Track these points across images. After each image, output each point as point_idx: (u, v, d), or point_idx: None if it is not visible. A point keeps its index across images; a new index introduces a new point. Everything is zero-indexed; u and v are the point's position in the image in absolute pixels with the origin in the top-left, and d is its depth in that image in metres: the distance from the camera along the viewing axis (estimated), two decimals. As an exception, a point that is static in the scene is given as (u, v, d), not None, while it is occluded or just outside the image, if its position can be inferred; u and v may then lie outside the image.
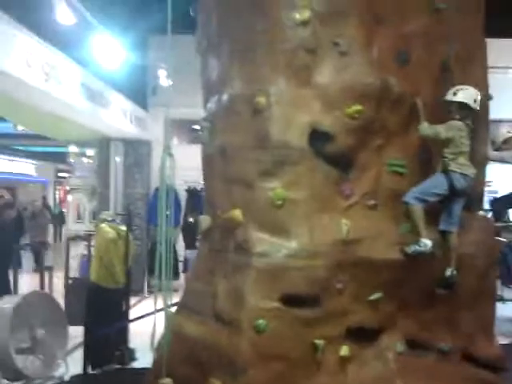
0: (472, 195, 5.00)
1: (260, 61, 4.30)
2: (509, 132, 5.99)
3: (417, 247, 4.42)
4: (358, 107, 4.24)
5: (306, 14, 4.17)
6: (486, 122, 5.18)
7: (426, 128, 4.52)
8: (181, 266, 12.05)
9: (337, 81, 4.27)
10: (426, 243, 4.43)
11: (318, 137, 4.26)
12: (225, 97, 4.46)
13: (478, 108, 4.65)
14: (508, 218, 5.90)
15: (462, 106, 4.59)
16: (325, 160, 4.31)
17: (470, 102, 4.59)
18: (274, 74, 4.26)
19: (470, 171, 4.61)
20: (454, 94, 4.60)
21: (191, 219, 12.08)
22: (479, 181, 5.09)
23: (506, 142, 5.82)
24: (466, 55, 4.95)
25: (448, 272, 4.60)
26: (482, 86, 5.05)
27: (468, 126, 4.62)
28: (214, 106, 4.61)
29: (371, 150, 4.48)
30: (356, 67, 4.30)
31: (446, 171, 4.56)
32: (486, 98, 5.10)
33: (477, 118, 4.79)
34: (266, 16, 4.26)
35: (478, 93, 4.66)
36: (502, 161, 5.69)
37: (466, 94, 4.60)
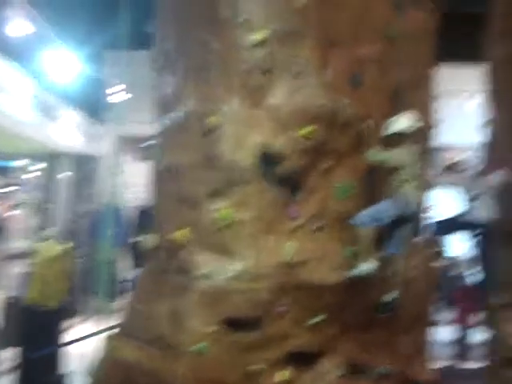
0: (415, 220, 5.09)
1: (215, 80, 4.29)
2: (453, 158, 6.15)
3: (363, 268, 4.46)
4: (310, 129, 4.26)
5: (262, 35, 4.19)
6: (430, 147, 5.30)
7: (374, 154, 4.58)
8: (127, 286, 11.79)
9: (290, 102, 4.28)
10: (371, 266, 4.47)
11: (268, 158, 4.25)
12: (177, 114, 4.42)
13: (416, 130, 4.69)
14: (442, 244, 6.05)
15: (400, 134, 4.68)
16: (273, 181, 4.30)
17: (404, 129, 4.67)
18: (227, 94, 4.24)
19: (417, 196, 4.68)
20: (387, 128, 4.70)
21: (140, 238, 11.86)
22: (423, 206, 5.20)
23: (449, 167, 5.97)
24: (416, 81, 5.08)
25: (390, 295, 4.62)
26: (429, 111, 5.19)
27: (413, 152, 4.70)
28: (167, 123, 4.56)
29: (320, 172, 4.49)
30: (309, 89, 4.32)
31: (394, 196, 4.62)
32: (432, 123, 5.24)
33: (422, 144, 4.90)
34: (222, 36, 4.26)
35: (412, 117, 4.73)
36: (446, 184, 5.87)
37: (397, 124, 4.68)
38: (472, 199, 5.87)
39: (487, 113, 6.73)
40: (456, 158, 5.96)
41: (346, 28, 4.64)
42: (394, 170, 4.65)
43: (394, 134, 4.67)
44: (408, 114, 4.72)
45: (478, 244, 6.29)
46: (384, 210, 4.59)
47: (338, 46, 4.57)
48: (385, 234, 4.73)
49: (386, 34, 4.85)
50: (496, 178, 6.06)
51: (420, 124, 4.74)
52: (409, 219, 4.69)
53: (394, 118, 4.70)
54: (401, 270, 4.69)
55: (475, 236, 6.17)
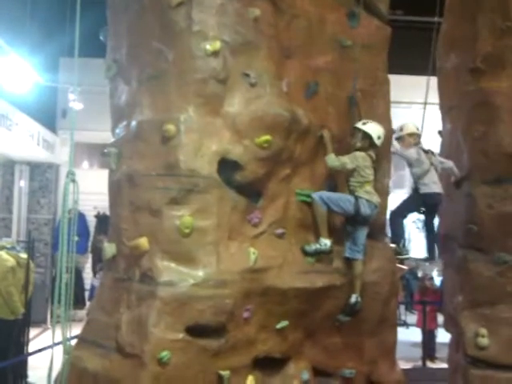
0: (375, 224, 5.19)
1: (170, 89, 4.28)
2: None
3: (317, 246, 4.60)
4: (267, 137, 4.31)
5: (216, 45, 4.20)
6: (388, 154, 5.43)
7: (332, 159, 4.67)
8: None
9: (246, 111, 4.32)
10: (326, 243, 4.61)
11: (226, 165, 4.27)
12: (133, 123, 4.39)
13: (379, 145, 4.86)
14: (405, 239, 6.10)
15: (366, 136, 4.81)
16: (233, 189, 4.33)
17: (374, 136, 4.82)
18: (183, 103, 4.24)
19: (375, 199, 4.82)
20: (364, 123, 4.85)
21: (99, 245, 11.72)
22: (381, 210, 5.30)
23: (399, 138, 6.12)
24: (371, 91, 5.20)
25: (353, 299, 4.73)
26: (386, 120, 5.31)
27: (370, 156, 4.82)
28: (123, 131, 4.53)
29: (279, 179, 4.56)
30: (265, 98, 4.37)
31: (354, 196, 4.73)
32: (389, 132, 5.36)
33: (379, 151, 5.01)
34: (176, 45, 4.25)
35: (383, 132, 4.88)
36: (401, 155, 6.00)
37: (372, 128, 4.83)
38: (420, 175, 6.01)
39: (440, 123, 6.93)
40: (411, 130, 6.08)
41: (301, 38, 4.73)
42: (351, 173, 4.76)
43: (363, 132, 4.78)
44: (380, 125, 4.85)
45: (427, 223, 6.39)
46: (342, 199, 4.74)
47: (292, 56, 4.66)
48: (342, 233, 4.84)
49: (341, 44, 4.95)
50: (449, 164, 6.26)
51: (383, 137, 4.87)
52: (365, 221, 4.80)
53: (373, 121, 4.87)
54: (361, 273, 4.79)
55: (423, 212, 6.28)
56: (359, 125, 4.86)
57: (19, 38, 9.67)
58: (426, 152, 6.07)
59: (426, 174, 5.98)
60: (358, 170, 4.76)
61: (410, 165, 6.07)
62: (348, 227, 4.86)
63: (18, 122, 9.94)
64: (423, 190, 6.00)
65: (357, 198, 4.74)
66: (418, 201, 6.10)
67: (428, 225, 6.39)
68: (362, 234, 4.84)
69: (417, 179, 6.04)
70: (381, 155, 5.13)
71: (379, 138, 4.87)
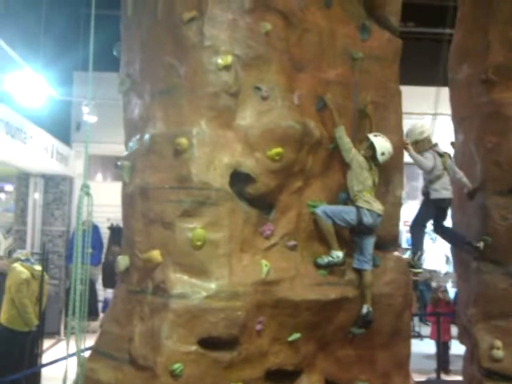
0: (387, 236, 5.18)
1: (182, 102, 4.32)
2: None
3: (330, 258, 4.59)
4: (279, 150, 4.34)
5: (228, 59, 4.25)
6: (401, 166, 5.41)
7: (343, 131, 4.69)
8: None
9: (258, 124, 4.36)
10: (338, 255, 4.61)
11: (239, 178, 4.30)
12: (146, 136, 4.44)
13: (381, 161, 4.87)
14: (422, 251, 6.05)
15: (371, 148, 4.82)
16: (245, 201, 4.36)
17: (378, 151, 4.83)
18: (196, 116, 4.28)
19: (376, 207, 4.77)
20: (375, 135, 4.88)
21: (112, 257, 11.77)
22: (394, 222, 5.29)
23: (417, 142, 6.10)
24: (383, 102, 5.21)
25: (364, 309, 4.71)
26: (397, 131, 5.31)
27: (371, 167, 4.83)
28: (136, 144, 4.58)
29: (291, 191, 4.57)
30: (277, 111, 4.41)
31: (355, 206, 4.72)
32: (401, 142, 5.36)
33: (392, 163, 5.01)
34: (188, 60, 4.31)
35: (390, 151, 4.88)
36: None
37: (380, 143, 4.84)
38: (432, 180, 5.99)
39: (452, 134, 6.90)
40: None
41: (312, 52, 4.76)
42: (349, 173, 4.77)
43: (370, 143, 4.80)
44: (386, 140, 4.87)
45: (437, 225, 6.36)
46: (345, 211, 4.72)
47: (304, 69, 4.69)
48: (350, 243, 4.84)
49: (352, 57, 4.97)
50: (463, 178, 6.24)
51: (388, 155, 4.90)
52: (370, 230, 4.77)
53: (384, 136, 4.89)
54: (371, 283, 4.77)
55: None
56: (371, 135, 4.88)
57: (34, 53, 9.80)
58: (442, 156, 6.04)
59: (437, 180, 5.96)
60: (354, 170, 4.75)
61: (424, 171, 6.07)
62: (355, 238, 4.86)
63: (33, 136, 10.06)
64: (433, 195, 5.98)
65: (358, 208, 4.73)
66: (431, 206, 6.08)
67: (440, 227, 6.34)
68: (369, 243, 4.81)
69: (428, 184, 6.03)
70: (393, 167, 5.13)
71: (383, 154, 4.86)
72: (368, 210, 4.72)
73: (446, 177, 6.02)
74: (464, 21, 6.77)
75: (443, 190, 5.97)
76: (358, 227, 4.74)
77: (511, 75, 6.12)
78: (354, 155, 4.76)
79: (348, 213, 4.71)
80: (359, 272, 4.80)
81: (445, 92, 7.04)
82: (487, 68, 6.21)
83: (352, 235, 4.89)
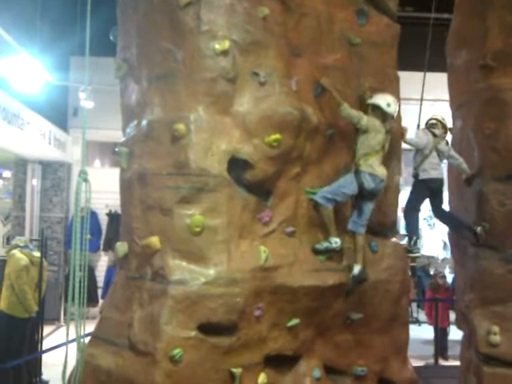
0: (385, 222, 5.19)
1: (179, 88, 4.30)
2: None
3: (328, 244, 4.60)
4: (277, 136, 4.32)
5: (225, 45, 4.22)
6: (399, 152, 5.41)
7: (347, 108, 4.63)
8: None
9: (256, 110, 4.34)
10: (337, 241, 4.61)
11: (237, 164, 4.29)
12: (144, 122, 4.42)
13: (393, 112, 4.81)
14: (418, 235, 6.06)
15: (375, 108, 4.78)
16: (244, 187, 4.35)
17: (383, 105, 4.76)
18: (193, 102, 4.26)
19: (380, 171, 4.71)
20: (370, 97, 4.84)
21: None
22: (392, 208, 5.30)
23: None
24: (381, 88, 5.18)
25: (355, 269, 4.68)
26: (395, 118, 5.29)
27: (385, 128, 4.77)
28: (133, 130, 4.56)
29: (289, 177, 4.57)
30: (275, 97, 4.38)
31: (356, 172, 4.69)
32: (399, 129, 5.35)
33: (390, 149, 5.00)
34: (185, 45, 4.27)
35: (394, 100, 4.84)
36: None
37: (379, 97, 4.80)
38: (420, 160, 5.99)
39: (450, 120, 6.89)
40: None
41: (310, 37, 4.73)
42: (360, 139, 4.71)
43: (374, 106, 4.76)
44: (382, 93, 4.82)
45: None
46: (343, 185, 4.66)
47: (301, 54, 4.66)
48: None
49: (350, 42, 4.94)
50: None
51: (396, 110, 4.84)
52: (371, 195, 4.72)
53: (380, 94, 4.83)
54: (363, 246, 4.75)
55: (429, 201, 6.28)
56: (368, 101, 4.82)
57: (30, 38, 9.73)
58: (435, 136, 6.07)
59: (424, 160, 5.98)
60: (369, 133, 4.66)
61: (416, 151, 6.10)
62: (357, 200, 4.79)
63: (30, 121, 10.02)
64: (422, 175, 6.01)
65: (358, 172, 4.67)
66: (422, 187, 6.09)
67: (439, 211, 6.35)
68: (368, 208, 4.73)
69: (416, 166, 6.05)
70: (391, 153, 5.12)
71: (389, 105, 4.76)
72: (370, 174, 4.65)
73: (434, 157, 6.03)
74: (462, 6, 6.73)
75: (432, 169, 5.99)
76: (361, 192, 4.68)
77: (509, 61, 6.09)
78: (369, 120, 4.67)
79: (346, 185, 4.64)
80: (352, 233, 4.78)
81: (444, 78, 7.00)
82: (485, 53, 6.19)
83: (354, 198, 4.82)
